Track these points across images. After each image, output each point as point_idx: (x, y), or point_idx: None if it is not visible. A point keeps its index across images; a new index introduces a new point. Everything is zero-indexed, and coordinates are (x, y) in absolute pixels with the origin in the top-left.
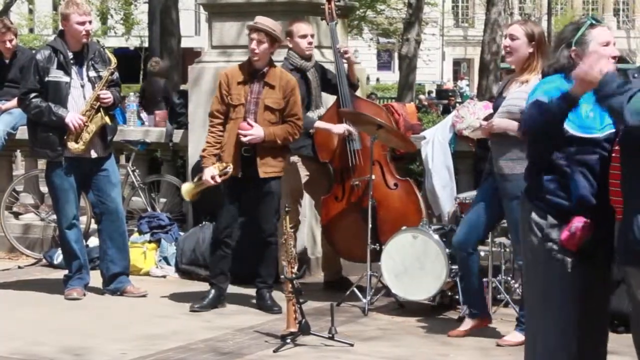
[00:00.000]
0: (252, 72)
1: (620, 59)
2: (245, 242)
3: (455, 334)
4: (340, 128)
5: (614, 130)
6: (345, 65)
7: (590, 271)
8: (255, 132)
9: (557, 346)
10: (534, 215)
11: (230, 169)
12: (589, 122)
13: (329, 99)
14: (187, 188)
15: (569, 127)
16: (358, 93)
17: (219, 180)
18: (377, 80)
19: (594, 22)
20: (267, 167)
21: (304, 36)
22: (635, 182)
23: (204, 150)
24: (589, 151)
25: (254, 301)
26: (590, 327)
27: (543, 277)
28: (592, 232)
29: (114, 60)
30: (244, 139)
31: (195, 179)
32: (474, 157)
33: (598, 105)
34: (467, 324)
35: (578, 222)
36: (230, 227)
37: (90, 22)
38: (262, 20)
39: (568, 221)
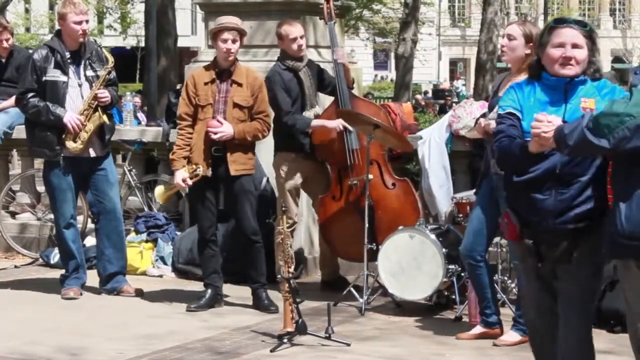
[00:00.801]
0: (219, 72)
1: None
2: (231, 242)
3: (465, 337)
4: (335, 123)
5: None
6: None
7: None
8: (225, 129)
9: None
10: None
11: (200, 170)
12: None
13: (326, 99)
14: (159, 191)
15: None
16: (355, 92)
17: (189, 182)
18: (382, 78)
19: (554, 24)
20: (238, 165)
21: (293, 39)
22: (619, 177)
23: (173, 153)
24: None
25: (250, 302)
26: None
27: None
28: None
29: (111, 59)
30: (214, 137)
31: (168, 181)
32: (470, 156)
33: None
34: (479, 329)
35: (507, 216)
36: (213, 226)
37: (87, 21)
38: (231, 19)
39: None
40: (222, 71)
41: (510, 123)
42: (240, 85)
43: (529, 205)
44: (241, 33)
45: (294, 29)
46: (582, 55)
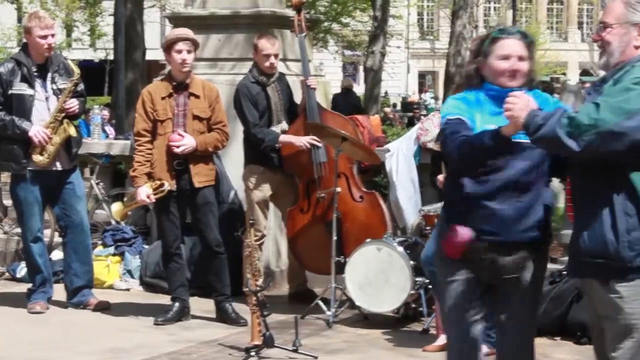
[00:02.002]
0: (176, 85)
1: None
2: (196, 255)
3: (431, 349)
4: (302, 141)
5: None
6: (316, 64)
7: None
8: (187, 141)
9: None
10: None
11: (167, 186)
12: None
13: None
14: (117, 208)
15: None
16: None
17: (153, 199)
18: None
19: (498, 35)
20: (201, 177)
21: (267, 56)
22: (579, 196)
23: (134, 170)
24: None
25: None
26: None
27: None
28: (471, 242)
29: (77, 70)
30: (176, 150)
31: (126, 199)
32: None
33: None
34: (443, 339)
35: (454, 229)
36: (178, 239)
37: (53, 35)
38: (184, 31)
39: (449, 229)
40: (179, 84)
41: (464, 127)
42: (197, 97)
43: (486, 217)
44: (195, 44)
45: (269, 46)
46: (527, 67)
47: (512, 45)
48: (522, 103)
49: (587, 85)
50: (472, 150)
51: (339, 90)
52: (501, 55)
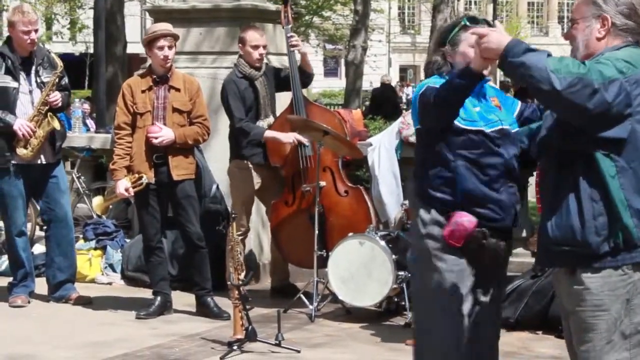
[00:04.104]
0: (156, 79)
1: None
2: (178, 249)
3: (412, 342)
4: (289, 137)
5: (500, 127)
6: (298, 57)
7: (477, 270)
8: (165, 133)
9: (446, 345)
10: (421, 212)
11: (145, 179)
12: (473, 116)
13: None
14: (98, 202)
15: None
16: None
17: (132, 192)
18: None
19: (467, 23)
20: (180, 170)
21: (256, 47)
22: (547, 183)
23: (113, 163)
24: (474, 145)
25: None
26: (480, 326)
27: (426, 275)
28: (476, 229)
29: (60, 63)
30: (155, 142)
31: (107, 193)
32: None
33: (504, 70)
34: None
35: (459, 217)
36: (158, 233)
37: (36, 30)
38: (165, 26)
39: (449, 217)
40: (159, 77)
41: None
42: (178, 90)
43: (487, 203)
44: (176, 39)
45: (258, 37)
46: None
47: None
48: (498, 32)
49: None
50: (446, 93)
51: (377, 85)
52: (474, 43)
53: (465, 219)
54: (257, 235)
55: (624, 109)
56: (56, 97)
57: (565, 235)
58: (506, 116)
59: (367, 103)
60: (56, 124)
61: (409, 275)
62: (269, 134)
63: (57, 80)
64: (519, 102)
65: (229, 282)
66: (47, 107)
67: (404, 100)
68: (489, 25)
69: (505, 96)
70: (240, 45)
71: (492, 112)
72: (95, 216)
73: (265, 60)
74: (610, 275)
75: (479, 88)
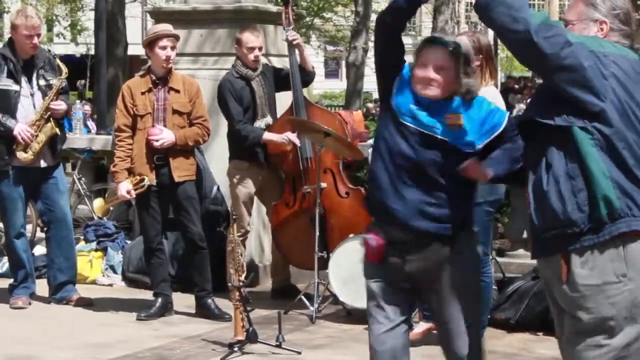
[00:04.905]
0: (156, 80)
1: None
2: (179, 250)
3: (411, 337)
4: (282, 137)
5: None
6: (298, 57)
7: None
8: (165, 135)
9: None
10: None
11: (147, 181)
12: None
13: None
14: (98, 204)
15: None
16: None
17: (134, 194)
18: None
19: (423, 44)
20: (181, 171)
21: (251, 49)
22: (528, 169)
23: (114, 165)
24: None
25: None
26: None
27: None
28: (382, 245)
29: (64, 70)
30: (156, 144)
31: (107, 194)
32: None
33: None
34: (422, 326)
35: (368, 236)
36: (159, 235)
37: (38, 35)
38: (166, 27)
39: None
40: (159, 79)
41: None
42: (177, 91)
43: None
44: (176, 39)
45: (254, 39)
46: (446, 77)
47: (430, 54)
48: None
49: None
50: (391, 15)
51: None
52: (420, 63)
53: (372, 239)
54: (257, 236)
55: (575, 63)
56: (60, 106)
57: (549, 219)
58: (458, 135)
59: (368, 104)
60: (58, 130)
61: None
62: (266, 136)
63: (61, 86)
64: (502, 125)
65: (229, 284)
66: (49, 113)
67: None
68: (447, 45)
69: (485, 117)
70: (236, 46)
71: (432, 121)
72: (96, 218)
73: (265, 61)
74: (601, 251)
75: (442, 106)
